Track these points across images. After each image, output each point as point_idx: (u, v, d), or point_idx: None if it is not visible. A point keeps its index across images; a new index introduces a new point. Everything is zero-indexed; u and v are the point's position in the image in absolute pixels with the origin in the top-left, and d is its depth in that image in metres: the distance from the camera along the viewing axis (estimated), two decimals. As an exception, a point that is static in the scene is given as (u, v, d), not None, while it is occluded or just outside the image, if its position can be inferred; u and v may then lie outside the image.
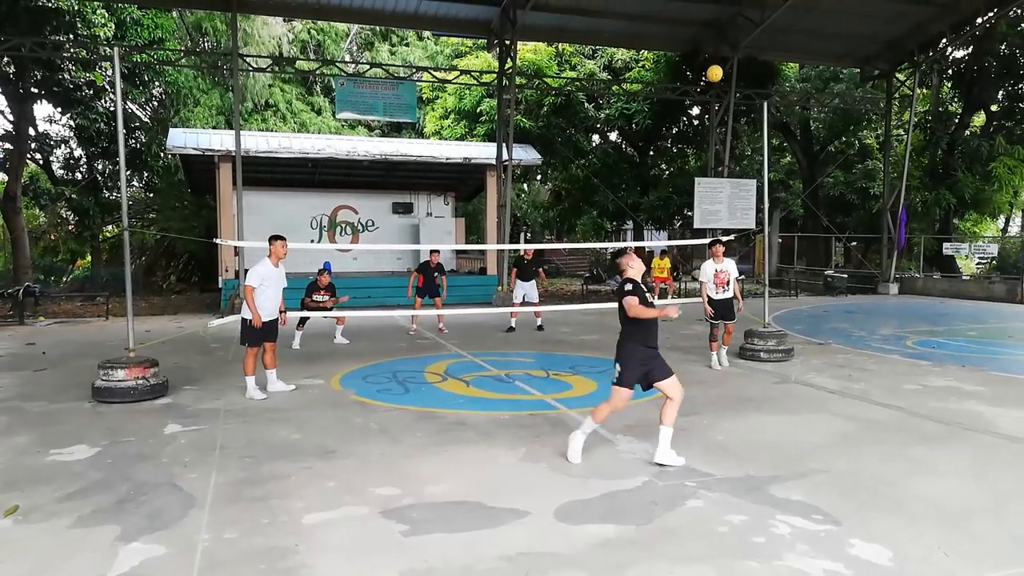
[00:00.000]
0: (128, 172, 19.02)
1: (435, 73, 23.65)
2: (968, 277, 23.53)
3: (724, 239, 9.87)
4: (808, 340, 11.78)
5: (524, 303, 13.03)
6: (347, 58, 30.97)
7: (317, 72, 25.02)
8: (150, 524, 4.16)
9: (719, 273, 9.16)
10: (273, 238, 7.61)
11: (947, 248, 23.36)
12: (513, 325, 13.06)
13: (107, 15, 18.93)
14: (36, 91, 19.73)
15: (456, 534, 4.05)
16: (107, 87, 20.54)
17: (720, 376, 8.78)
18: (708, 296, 9.18)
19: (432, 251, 13.07)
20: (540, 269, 13.53)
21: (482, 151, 20.92)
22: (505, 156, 18.79)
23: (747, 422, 6.53)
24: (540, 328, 12.96)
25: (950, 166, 22.72)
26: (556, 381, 8.49)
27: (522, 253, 13.85)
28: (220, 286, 17.83)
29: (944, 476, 5.02)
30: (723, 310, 9.15)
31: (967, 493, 4.70)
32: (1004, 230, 34.91)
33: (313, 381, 8.42)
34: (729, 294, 9.19)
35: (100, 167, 23.82)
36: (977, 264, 25.50)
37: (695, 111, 25.59)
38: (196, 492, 4.68)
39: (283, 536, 4.01)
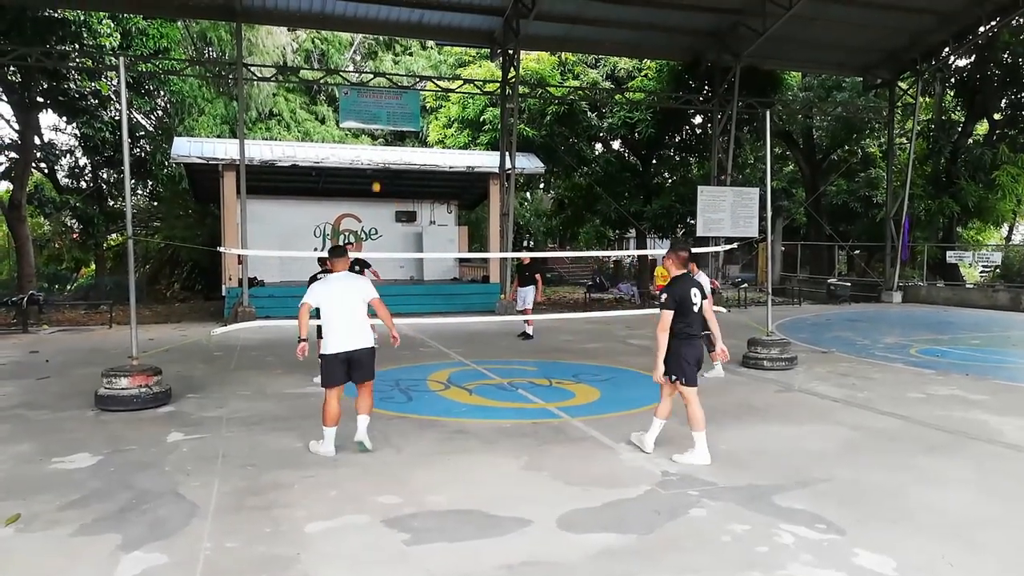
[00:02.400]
0: (133, 181, 19.04)
1: (438, 82, 23.68)
2: (972, 285, 23.45)
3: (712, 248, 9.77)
4: (811, 348, 11.76)
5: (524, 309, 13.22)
6: (351, 67, 31.09)
7: (321, 81, 25.11)
8: (152, 533, 4.16)
9: None
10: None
11: (951, 256, 23.29)
12: (528, 332, 13.11)
13: (113, 25, 19.01)
14: (42, 100, 19.83)
15: (458, 543, 4.04)
16: (112, 96, 20.64)
17: (723, 385, 8.75)
18: None
19: (347, 243, 12.86)
20: (537, 275, 13.43)
21: (485, 160, 20.95)
22: (508, 165, 18.81)
23: (750, 431, 6.51)
24: (524, 335, 12.99)
25: (953, 174, 22.69)
26: (559, 389, 8.48)
27: (520, 260, 14.20)
28: (224, 294, 17.85)
29: (948, 485, 5.00)
30: None
31: (972, 502, 4.68)
32: (1008, 238, 34.81)
33: (316, 389, 8.39)
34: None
35: (105, 176, 23.92)
36: (981, 272, 25.41)
37: (698, 120, 25.60)
38: (198, 501, 4.67)
39: (285, 545, 4.01)
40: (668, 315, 5.43)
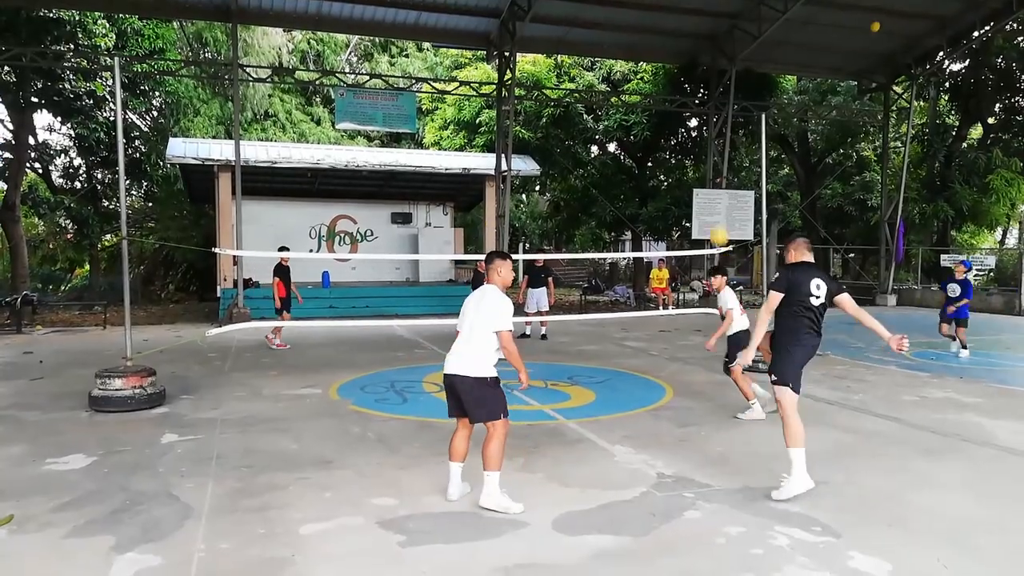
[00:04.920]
0: (127, 181, 18.96)
1: (434, 84, 23.68)
2: (966, 289, 23.52)
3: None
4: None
5: (537, 312, 13.20)
6: (347, 69, 31.07)
7: (317, 82, 25.10)
8: (145, 534, 4.14)
9: None
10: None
11: (945, 260, 23.36)
12: (527, 332, 13.37)
13: (108, 25, 18.98)
14: (36, 100, 19.76)
15: (453, 545, 4.03)
16: (107, 97, 20.59)
17: (718, 387, 8.76)
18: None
19: (281, 248, 11.95)
20: (549, 278, 13.40)
21: (481, 162, 20.97)
22: (504, 167, 18.83)
23: (746, 433, 6.52)
24: (544, 337, 13.20)
25: (947, 178, 22.79)
26: (554, 391, 8.48)
27: (533, 261, 14.00)
28: (219, 295, 17.81)
29: (943, 488, 5.01)
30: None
31: (966, 506, 4.68)
32: (1001, 242, 34.98)
33: (311, 391, 8.40)
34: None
35: (99, 176, 23.86)
36: (975, 276, 25.51)
37: (693, 123, 25.67)
38: (192, 502, 4.65)
39: (280, 547, 3.99)
40: (775, 297, 4.82)
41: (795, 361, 4.82)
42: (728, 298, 7.52)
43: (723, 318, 7.43)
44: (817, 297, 4.81)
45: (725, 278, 7.84)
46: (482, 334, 4.54)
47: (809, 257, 5.02)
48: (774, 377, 4.86)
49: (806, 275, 4.85)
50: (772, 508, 4.57)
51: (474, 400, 4.50)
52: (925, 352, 11.72)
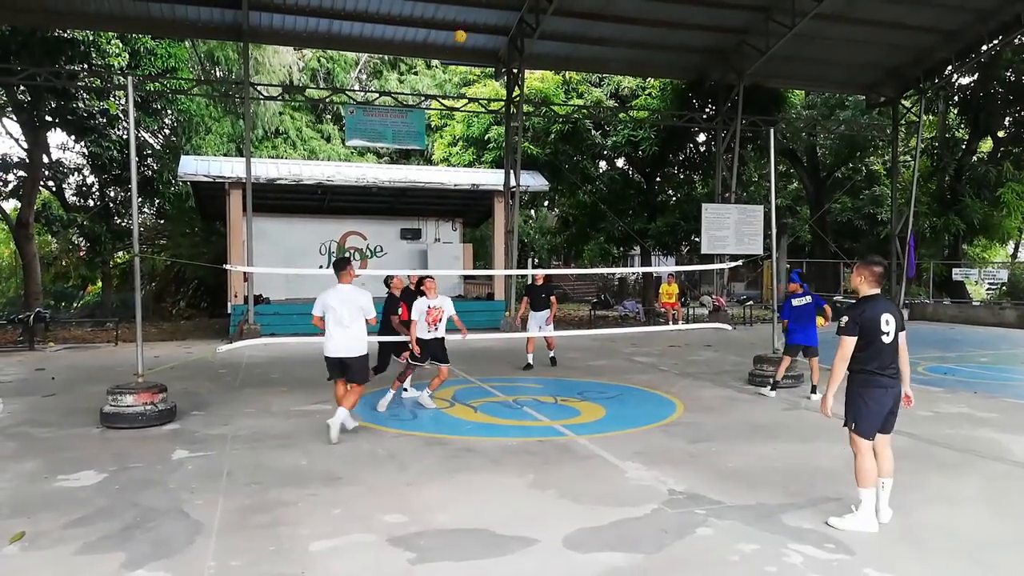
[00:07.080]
0: (140, 199, 19.16)
1: (443, 101, 23.84)
2: (978, 303, 23.38)
3: (430, 274, 8.93)
4: (818, 367, 11.68)
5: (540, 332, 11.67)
6: (356, 86, 31.33)
7: (327, 100, 25.30)
8: (156, 551, 4.14)
9: (431, 310, 8.18)
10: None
11: (957, 274, 23.24)
12: (530, 361, 11.45)
13: (121, 45, 19.21)
14: (50, 119, 20.00)
15: (464, 562, 4.01)
16: (120, 115, 20.81)
17: (729, 403, 8.72)
18: (417, 335, 8.04)
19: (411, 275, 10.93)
20: (552, 297, 11.70)
21: (490, 178, 21.05)
22: (513, 182, 18.89)
23: (758, 449, 6.47)
24: (553, 361, 11.77)
25: (958, 192, 22.71)
26: (564, 407, 8.46)
27: (532, 279, 12.14)
28: (229, 312, 17.89)
29: (958, 504, 4.96)
30: (434, 350, 8.22)
31: (982, 522, 4.63)
32: (1013, 255, 34.74)
33: (321, 407, 8.40)
34: (441, 334, 8.27)
35: (112, 194, 24.05)
36: (987, 290, 25.36)
37: (701, 138, 25.70)
38: (203, 519, 4.66)
39: (289, 564, 3.98)
40: (849, 342, 4.43)
41: (870, 411, 4.47)
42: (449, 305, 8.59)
43: (410, 321, 8.18)
44: (887, 334, 4.45)
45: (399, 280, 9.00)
46: (360, 322, 6.70)
47: (879, 288, 4.57)
48: (851, 426, 4.54)
49: (877, 310, 4.47)
50: (785, 525, 4.53)
51: (358, 371, 6.81)
52: (938, 367, 11.63)
